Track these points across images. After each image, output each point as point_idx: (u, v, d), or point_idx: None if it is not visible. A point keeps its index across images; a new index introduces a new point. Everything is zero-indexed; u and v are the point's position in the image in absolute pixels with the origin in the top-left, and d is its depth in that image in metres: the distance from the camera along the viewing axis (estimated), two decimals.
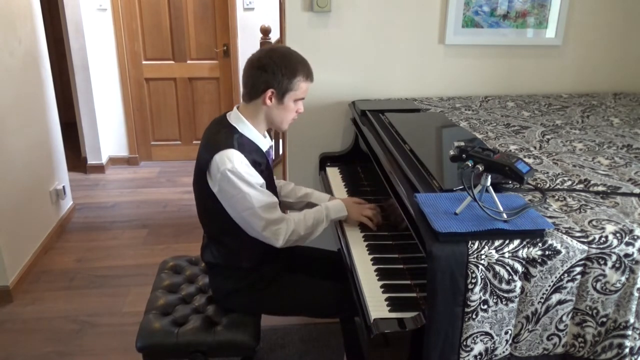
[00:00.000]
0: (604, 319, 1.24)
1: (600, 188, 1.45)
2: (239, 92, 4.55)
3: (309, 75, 1.67)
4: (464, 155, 1.26)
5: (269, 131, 1.81)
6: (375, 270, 1.54)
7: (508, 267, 1.18)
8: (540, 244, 1.18)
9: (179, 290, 1.93)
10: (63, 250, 3.23)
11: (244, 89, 1.69)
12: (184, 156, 4.75)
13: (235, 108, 1.72)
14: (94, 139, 4.41)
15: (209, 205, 1.67)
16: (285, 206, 2.01)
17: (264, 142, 1.74)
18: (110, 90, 4.45)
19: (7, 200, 2.73)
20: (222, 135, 1.65)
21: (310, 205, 1.99)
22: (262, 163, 1.70)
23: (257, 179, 1.63)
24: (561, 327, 1.25)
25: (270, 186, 1.77)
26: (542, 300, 1.21)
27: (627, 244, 1.20)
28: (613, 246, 1.19)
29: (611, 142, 1.85)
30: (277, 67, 1.61)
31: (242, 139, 1.66)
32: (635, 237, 1.20)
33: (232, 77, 4.57)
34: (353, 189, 2.15)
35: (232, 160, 1.57)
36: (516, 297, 1.21)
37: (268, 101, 1.64)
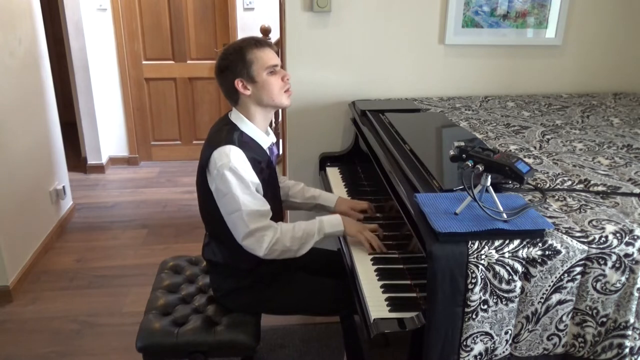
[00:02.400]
0: (604, 319, 1.24)
1: (600, 188, 1.45)
2: None
3: (255, 43, 1.65)
4: (464, 155, 1.26)
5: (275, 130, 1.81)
6: (375, 271, 1.54)
7: (508, 267, 1.18)
8: (540, 244, 1.18)
9: (179, 290, 1.93)
10: (63, 250, 3.23)
11: (226, 98, 1.72)
12: (184, 156, 4.75)
13: (233, 108, 1.73)
14: (94, 139, 4.41)
15: (209, 203, 1.67)
16: (292, 207, 2.00)
17: (265, 140, 1.73)
18: (110, 90, 4.45)
19: (7, 200, 2.73)
20: (223, 132, 1.66)
21: (318, 207, 1.99)
22: (263, 161, 1.70)
23: (253, 177, 1.62)
24: (561, 327, 1.25)
25: (271, 185, 1.76)
26: (542, 300, 1.21)
27: (627, 244, 1.20)
28: (613, 246, 1.19)
29: (611, 142, 1.85)
30: (227, 61, 1.64)
31: (243, 136, 1.67)
32: (635, 237, 1.21)
33: None
34: (353, 189, 2.15)
35: (229, 156, 1.57)
36: (516, 297, 1.21)
37: (245, 91, 1.65)
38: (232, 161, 1.57)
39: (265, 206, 1.64)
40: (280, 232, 1.62)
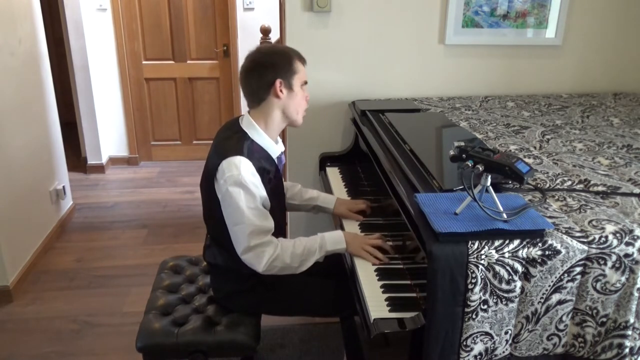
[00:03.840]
0: (604, 319, 1.24)
1: (600, 188, 1.45)
2: (239, 93, 4.55)
3: (299, 56, 1.69)
4: (464, 155, 1.26)
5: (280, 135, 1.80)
6: (375, 271, 1.54)
7: (508, 267, 1.18)
8: (540, 244, 1.18)
9: (179, 290, 1.93)
10: (63, 250, 3.23)
11: (249, 97, 1.68)
12: (184, 156, 4.75)
13: (246, 113, 1.70)
14: (94, 139, 4.41)
15: (214, 208, 1.66)
16: (290, 208, 2.00)
17: (275, 149, 1.71)
18: (110, 90, 4.45)
19: (7, 200, 2.73)
20: (233, 140, 1.63)
21: (317, 208, 1.98)
22: (271, 171, 1.68)
23: (261, 191, 1.60)
24: (561, 327, 1.25)
25: (277, 194, 1.75)
26: (542, 300, 1.22)
27: (627, 244, 1.20)
28: (613, 246, 1.19)
29: (611, 142, 1.85)
30: (272, 58, 1.63)
31: (253, 145, 1.64)
32: (635, 237, 1.21)
33: (232, 77, 4.57)
34: (353, 189, 2.15)
35: (239, 168, 1.55)
36: (516, 297, 1.21)
37: (280, 93, 1.63)
38: (242, 174, 1.55)
39: (269, 222, 1.62)
40: (280, 249, 1.61)
